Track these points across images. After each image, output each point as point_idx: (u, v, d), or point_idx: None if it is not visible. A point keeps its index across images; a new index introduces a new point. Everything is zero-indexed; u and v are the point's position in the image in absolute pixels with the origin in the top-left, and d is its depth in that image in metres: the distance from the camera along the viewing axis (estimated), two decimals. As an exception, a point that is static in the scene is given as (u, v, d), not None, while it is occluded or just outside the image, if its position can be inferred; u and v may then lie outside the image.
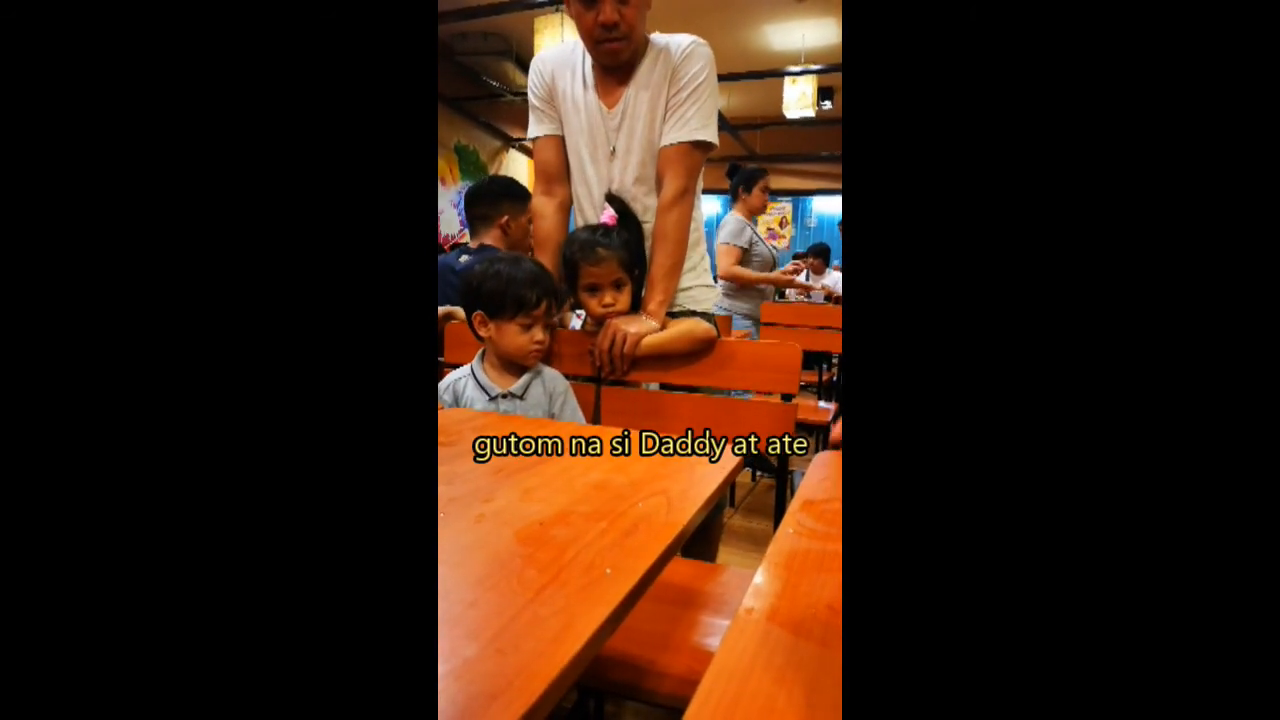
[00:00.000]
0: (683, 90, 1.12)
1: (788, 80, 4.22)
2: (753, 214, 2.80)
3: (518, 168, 6.44)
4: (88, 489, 0.20)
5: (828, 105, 4.84)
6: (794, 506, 0.54)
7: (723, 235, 2.71)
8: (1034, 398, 0.19)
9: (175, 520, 0.21)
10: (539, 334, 1.03)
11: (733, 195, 2.81)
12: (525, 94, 1.27)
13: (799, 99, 4.23)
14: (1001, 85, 0.19)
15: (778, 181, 6.41)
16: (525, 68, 4.44)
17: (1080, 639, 0.18)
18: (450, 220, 6.04)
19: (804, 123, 4.77)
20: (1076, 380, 0.18)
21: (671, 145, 1.13)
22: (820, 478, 0.62)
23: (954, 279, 0.20)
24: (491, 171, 6.38)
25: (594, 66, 1.16)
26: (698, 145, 1.13)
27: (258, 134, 0.23)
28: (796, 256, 4.89)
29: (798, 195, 6.98)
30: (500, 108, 5.51)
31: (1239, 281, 0.17)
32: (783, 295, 4.16)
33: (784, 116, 4.37)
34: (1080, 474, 0.18)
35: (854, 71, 0.21)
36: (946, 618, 0.19)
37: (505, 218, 1.59)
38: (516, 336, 1.02)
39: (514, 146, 6.05)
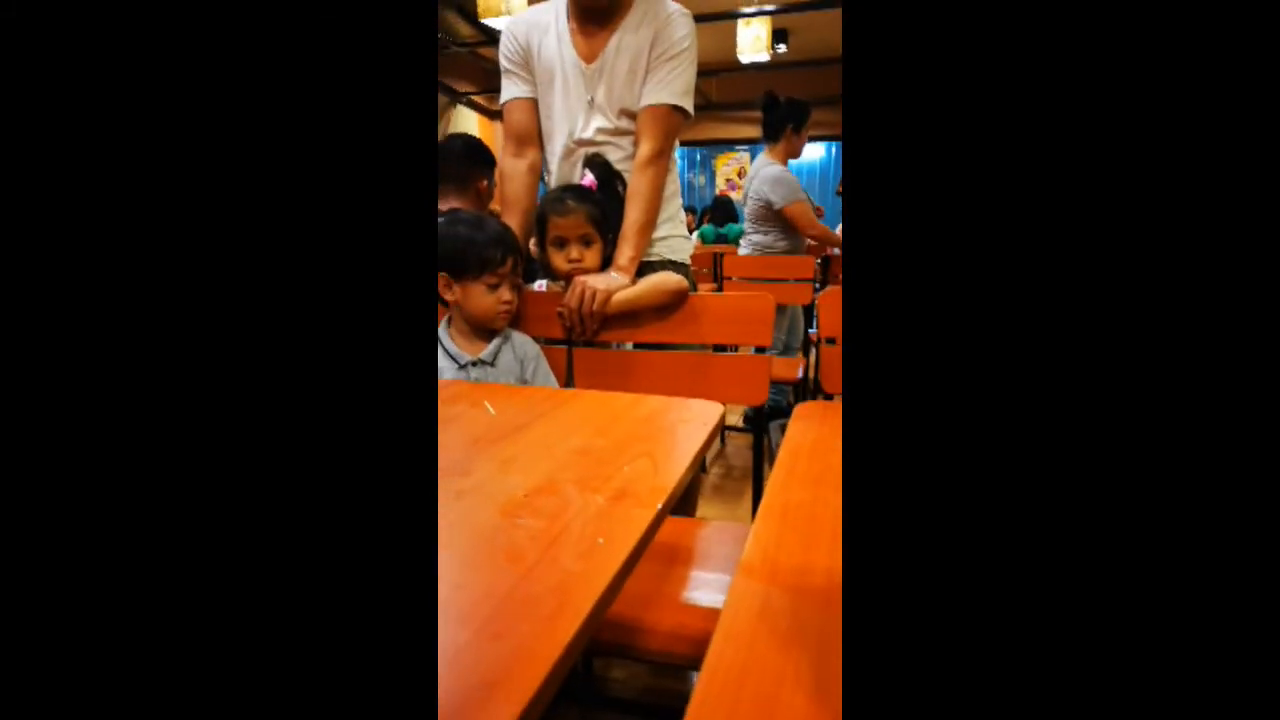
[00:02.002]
0: (666, 52, 1.10)
1: (741, 22, 4.10)
2: (791, 159, 2.33)
3: (467, 124, 6.16)
4: (73, 462, 0.20)
5: (782, 49, 4.74)
6: (782, 457, 0.54)
7: (784, 193, 2.26)
8: (1032, 380, 0.19)
9: (172, 515, 0.20)
10: (506, 294, 0.99)
11: (772, 134, 2.31)
12: (471, 45, 1.22)
13: (753, 42, 4.12)
14: (1002, 81, 0.19)
15: (733, 130, 6.30)
16: (468, 17, 4.23)
17: (1085, 630, 0.18)
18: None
19: (759, 67, 4.66)
20: (1082, 370, 0.18)
21: (652, 106, 1.11)
22: (803, 428, 0.61)
23: (956, 270, 0.19)
24: (441, 128, 6.10)
25: (572, 18, 1.13)
26: (677, 110, 1.12)
27: (250, 118, 0.22)
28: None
29: (755, 144, 6.89)
30: (444, 61, 5.23)
31: (1239, 279, 0.17)
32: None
33: (738, 61, 4.27)
34: (1084, 467, 0.18)
35: (854, 71, 0.21)
36: (949, 604, 0.18)
37: (484, 181, 1.51)
38: (483, 297, 0.98)
39: (461, 102, 5.77)
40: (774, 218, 2.35)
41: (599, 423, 0.64)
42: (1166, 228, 0.18)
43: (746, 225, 2.49)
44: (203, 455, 0.21)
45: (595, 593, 0.34)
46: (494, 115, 4.94)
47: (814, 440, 0.58)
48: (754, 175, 2.38)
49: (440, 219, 1.44)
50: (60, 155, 0.20)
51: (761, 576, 0.36)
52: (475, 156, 1.51)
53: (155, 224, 0.21)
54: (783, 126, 2.30)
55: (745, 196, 2.47)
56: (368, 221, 0.24)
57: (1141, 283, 0.18)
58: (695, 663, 0.79)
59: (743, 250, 2.52)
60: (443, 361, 0.99)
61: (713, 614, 0.79)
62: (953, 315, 0.19)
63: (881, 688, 0.18)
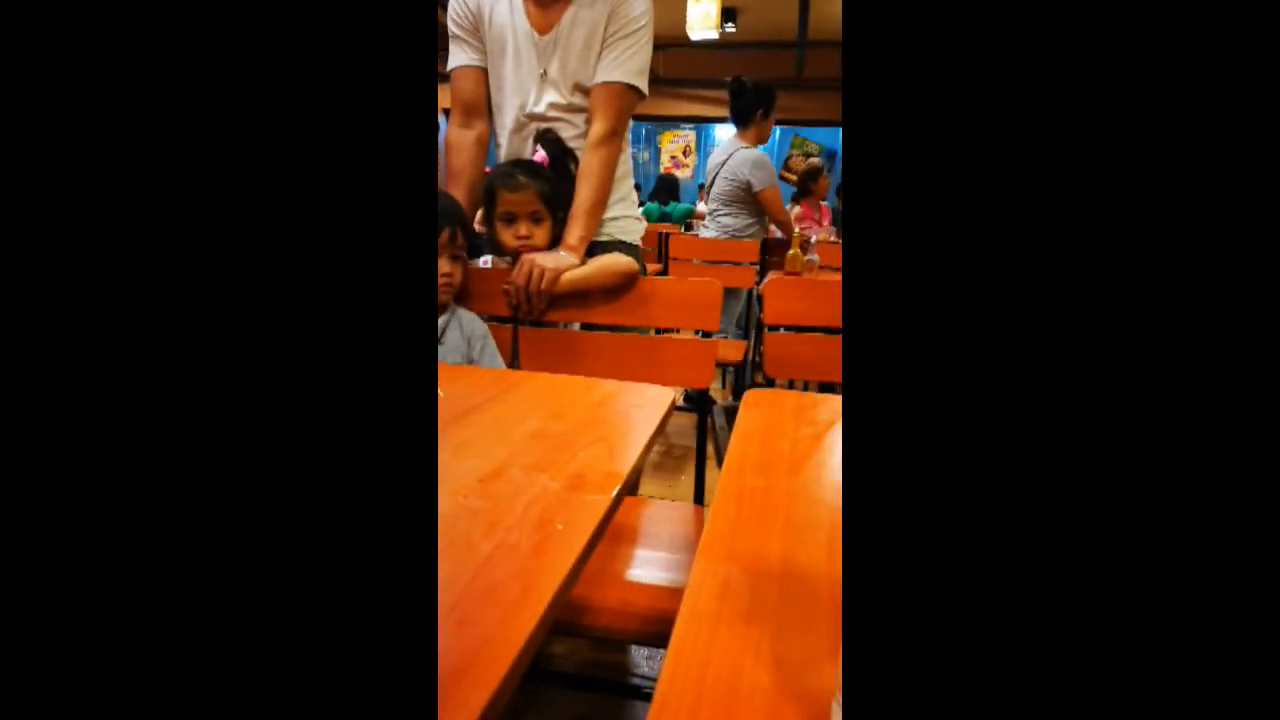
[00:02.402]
0: (623, 29, 1.08)
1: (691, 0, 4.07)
2: (760, 144, 2.31)
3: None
4: (69, 457, 0.19)
5: (731, 28, 4.73)
6: (734, 444, 0.55)
7: (763, 178, 2.20)
8: (1033, 377, 0.19)
9: (167, 512, 0.20)
10: (444, 266, 0.96)
11: (741, 118, 2.26)
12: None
13: (703, 19, 4.10)
14: (1003, 79, 0.19)
15: (680, 107, 6.27)
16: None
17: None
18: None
19: (707, 45, 4.65)
20: (1088, 371, 0.18)
21: (607, 83, 1.09)
22: (753, 415, 0.63)
23: (958, 269, 0.19)
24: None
25: None
26: (632, 89, 1.10)
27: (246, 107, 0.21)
28: (701, 188, 4.88)
29: (701, 122, 6.88)
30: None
31: (1239, 279, 0.17)
32: (688, 227, 4.16)
33: (687, 38, 4.24)
34: (1085, 465, 0.18)
35: (853, 68, 0.20)
36: (950, 601, 0.19)
37: None
38: None
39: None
40: (748, 200, 2.34)
41: (552, 406, 0.64)
42: (1164, 223, 0.18)
43: (711, 205, 2.47)
44: (198, 450, 0.21)
45: (557, 579, 0.35)
46: (439, 79, 4.71)
47: (764, 427, 0.60)
48: (726, 156, 2.34)
49: None
50: (56, 148, 0.20)
51: (721, 558, 0.38)
52: None
53: (142, 211, 0.21)
54: (752, 111, 2.29)
55: (711, 177, 2.44)
56: (365, 211, 0.23)
57: (1144, 280, 0.18)
58: (640, 638, 0.81)
59: (708, 232, 2.51)
60: (384, 338, 0.96)
61: (658, 591, 0.81)
62: (954, 311, 0.19)
63: (882, 687, 0.18)
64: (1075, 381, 0.18)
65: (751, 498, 0.46)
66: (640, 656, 1.14)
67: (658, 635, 0.76)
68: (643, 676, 1.11)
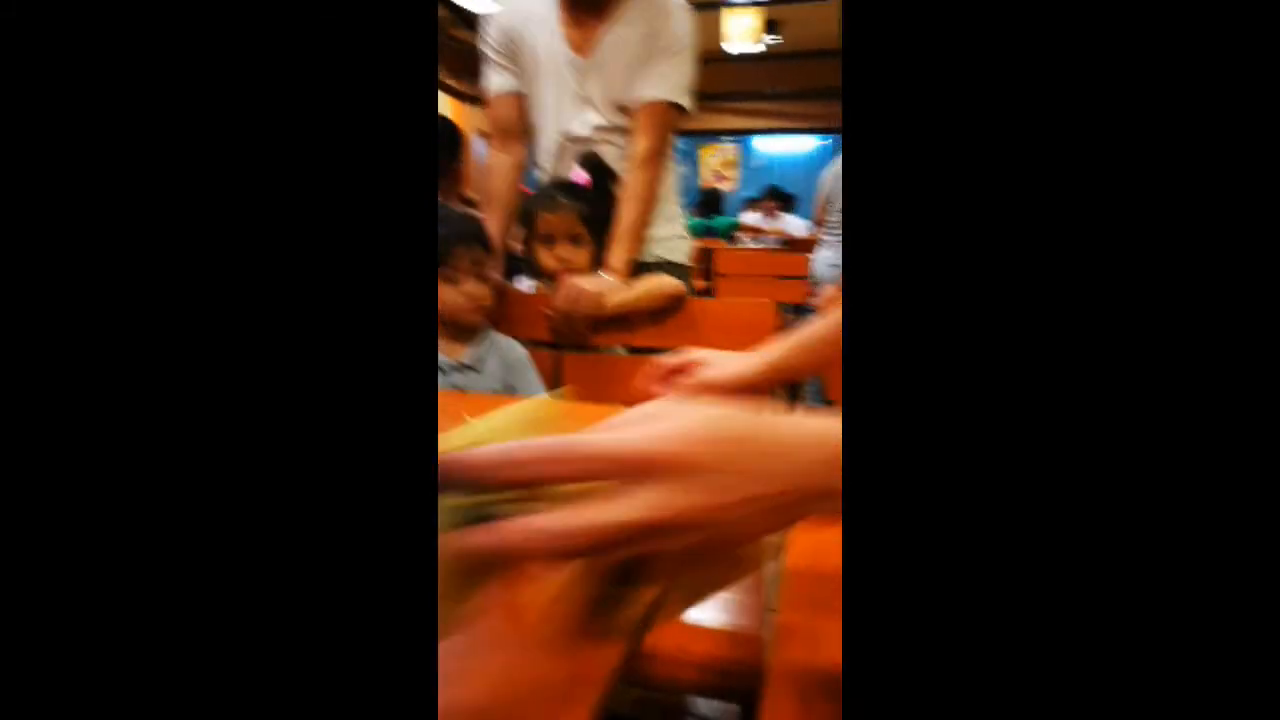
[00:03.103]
0: (667, 47, 1.05)
1: (731, 11, 4.04)
2: None
3: (440, 106, 6.03)
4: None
5: (774, 39, 4.68)
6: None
7: None
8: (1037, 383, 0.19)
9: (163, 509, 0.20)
10: (470, 287, 0.92)
11: None
12: (443, 25, 1.17)
13: (742, 31, 4.07)
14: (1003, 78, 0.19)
15: (719, 121, 6.25)
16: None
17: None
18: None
19: (749, 58, 4.61)
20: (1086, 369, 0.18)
21: (650, 102, 1.06)
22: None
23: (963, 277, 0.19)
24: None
25: (563, 7, 1.07)
26: (675, 106, 1.07)
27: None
28: (749, 201, 4.81)
29: (741, 135, 6.84)
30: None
31: (1239, 280, 0.17)
32: (732, 240, 4.10)
33: (723, 51, 4.21)
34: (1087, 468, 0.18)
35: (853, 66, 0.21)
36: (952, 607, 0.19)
37: (454, 165, 1.44)
38: (446, 294, 0.92)
39: (440, 88, 5.63)
40: None
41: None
42: (1165, 224, 0.18)
43: (826, 236, 2.40)
44: (196, 450, 0.21)
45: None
46: (467, 99, 4.79)
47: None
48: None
49: None
50: (55, 148, 0.20)
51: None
52: (443, 140, 1.43)
53: (141, 216, 0.21)
54: None
55: (823, 202, 2.35)
56: (366, 215, 0.22)
57: (1144, 280, 0.18)
58: (700, 688, 0.75)
59: (827, 270, 2.38)
60: (425, 368, 0.94)
61: (719, 636, 0.75)
62: (957, 317, 0.19)
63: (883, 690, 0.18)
64: (1077, 382, 0.18)
65: (824, 544, 0.40)
66: (700, 703, 1.08)
67: (718, 687, 0.70)
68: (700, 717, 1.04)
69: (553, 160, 1.15)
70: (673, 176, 1.16)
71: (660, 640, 0.73)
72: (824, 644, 0.33)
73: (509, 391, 0.95)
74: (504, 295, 1.10)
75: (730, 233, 4.35)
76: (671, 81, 1.06)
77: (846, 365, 0.21)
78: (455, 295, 0.92)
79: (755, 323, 0.94)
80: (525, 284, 1.16)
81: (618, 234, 1.05)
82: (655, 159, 1.06)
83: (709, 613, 0.78)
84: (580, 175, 1.07)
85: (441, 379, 0.93)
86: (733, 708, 0.63)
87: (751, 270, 2.30)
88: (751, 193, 5.31)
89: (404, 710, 0.20)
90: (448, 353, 0.94)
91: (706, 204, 4.78)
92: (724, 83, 5.84)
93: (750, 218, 4.42)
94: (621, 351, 1.07)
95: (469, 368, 0.94)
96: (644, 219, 1.06)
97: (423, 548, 0.21)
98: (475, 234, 0.95)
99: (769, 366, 0.59)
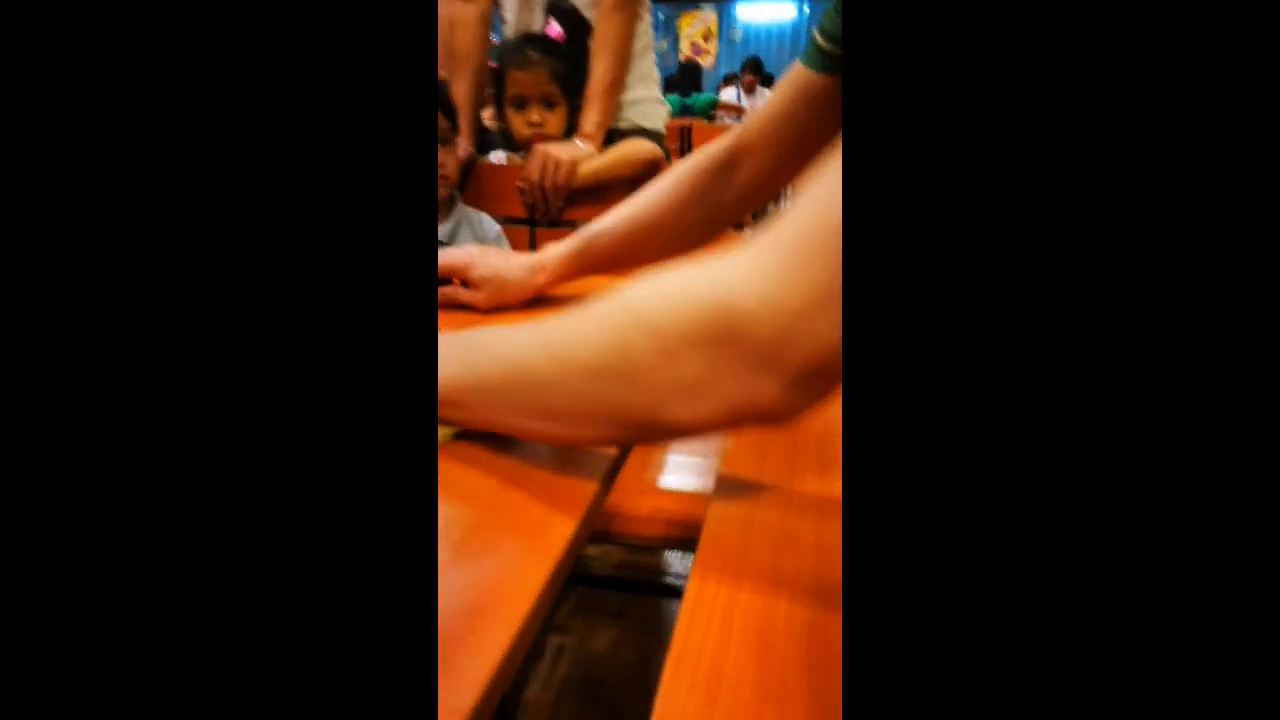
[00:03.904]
0: None
1: None
2: None
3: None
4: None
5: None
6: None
7: None
8: (1038, 377, 0.18)
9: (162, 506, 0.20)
10: None
11: None
12: None
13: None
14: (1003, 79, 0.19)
15: (701, -15, 5.73)
16: None
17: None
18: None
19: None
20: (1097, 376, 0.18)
21: None
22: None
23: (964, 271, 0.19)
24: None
25: None
26: None
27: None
28: (727, 77, 4.52)
29: (721, 1, 6.31)
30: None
31: (1239, 281, 0.17)
32: (711, 118, 3.90)
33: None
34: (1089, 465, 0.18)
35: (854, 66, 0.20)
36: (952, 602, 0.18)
37: None
38: None
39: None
40: None
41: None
42: (1166, 223, 0.18)
43: None
44: (194, 446, 0.20)
45: (590, 493, 0.31)
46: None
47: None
48: None
49: None
50: (54, 147, 0.20)
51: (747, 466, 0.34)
52: None
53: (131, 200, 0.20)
54: None
55: None
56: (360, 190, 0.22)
57: (1144, 280, 0.18)
58: (671, 543, 0.80)
59: None
60: (393, 242, 0.90)
61: (688, 497, 0.79)
62: (958, 309, 0.19)
63: (884, 687, 0.18)
64: (1078, 383, 0.18)
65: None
66: (673, 558, 1.16)
67: (689, 540, 0.75)
68: (676, 575, 1.13)
69: (518, 9, 1.04)
70: (648, 28, 1.07)
71: (636, 504, 0.77)
72: (761, 499, 0.34)
73: (482, 267, 0.92)
74: (473, 167, 1.04)
75: (709, 111, 4.13)
76: None
77: (847, 364, 0.20)
78: None
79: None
80: (497, 156, 1.10)
81: (590, 93, 0.97)
82: (629, 3, 0.97)
83: (678, 477, 0.82)
84: (554, 28, 0.98)
85: (410, 254, 0.90)
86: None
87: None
88: (732, 68, 4.98)
89: (401, 654, 0.19)
90: (415, 227, 0.90)
91: (685, 79, 4.49)
92: (705, -62, 5.28)
93: (729, 94, 4.19)
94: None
95: (440, 243, 0.90)
96: (619, 75, 0.99)
97: (422, 493, 0.21)
98: (442, 100, 0.87)
99: (550, 279, 0.62)
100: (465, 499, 0.31)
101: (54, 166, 0.20)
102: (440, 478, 0.32)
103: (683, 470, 0.84)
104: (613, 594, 1.06)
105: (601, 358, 0.28)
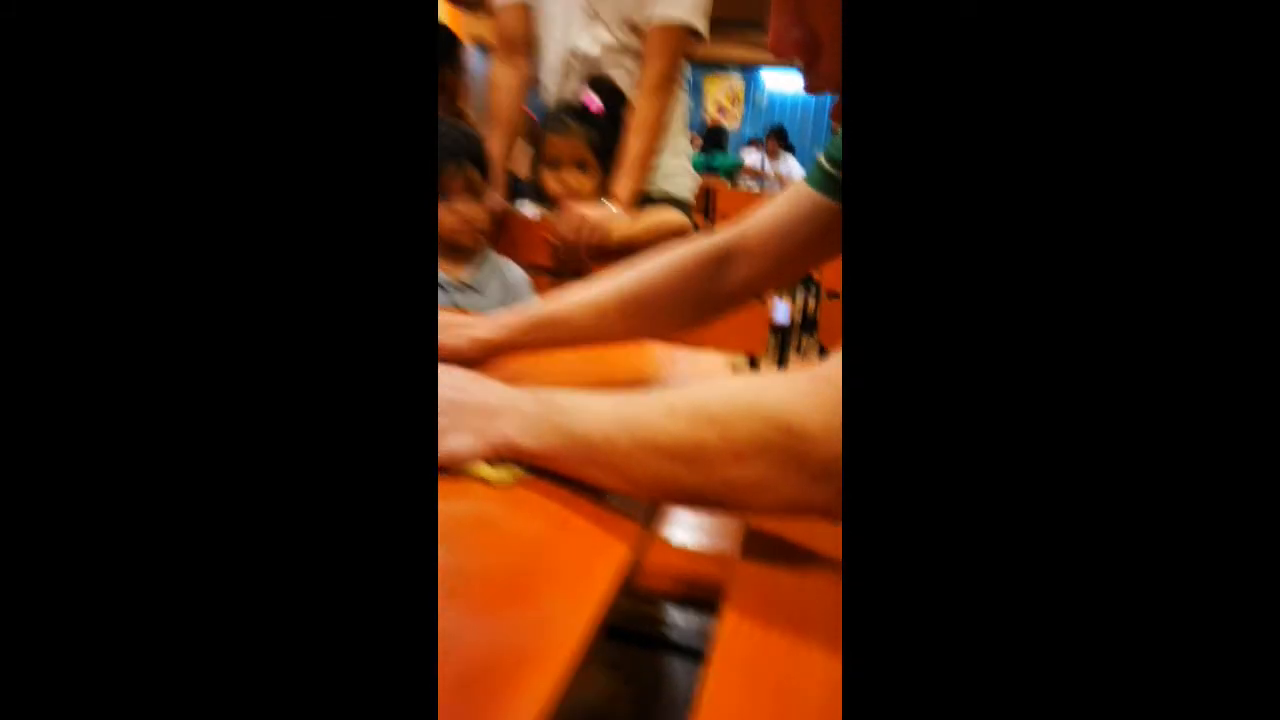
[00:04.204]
0: None
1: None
2: None
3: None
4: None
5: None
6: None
7: None
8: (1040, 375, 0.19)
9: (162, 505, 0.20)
10: (463, 205, 0.90)
11: None
12: None
13: (759, -44, 3.85)
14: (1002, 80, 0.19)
15: (726, 51, 5.99)
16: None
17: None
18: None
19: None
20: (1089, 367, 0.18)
21: (664, 22, 1.02)
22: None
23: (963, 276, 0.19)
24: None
25: None
26: (690, 30, 1.03)
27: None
28: (751, 141, 4.68)
29: (748, 67, 6.56)
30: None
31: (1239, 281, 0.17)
32: (734, 181, 4.03)
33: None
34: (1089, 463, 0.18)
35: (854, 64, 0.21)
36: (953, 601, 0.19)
37: (448, 76, 1.37)
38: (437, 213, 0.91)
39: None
40: None
41: (600, 371, 0.62)
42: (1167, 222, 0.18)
43: None
44: (194, 445, 0.20)
45: (622, 556, 0.34)
46: (463, 3, 4.50)
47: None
48: None
49: None
50: (54, 147, 0.20)
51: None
52: (441, 49, 1.34)
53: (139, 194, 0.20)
54: None
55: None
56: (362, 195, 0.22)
57: (1143, 281, 0.18)
58: (673, 597, 0.81)
59: None
60: (428, 286, 0.94)
61: (694, 555, 0.81)
62: (957, 313, 0.19)
63: (883, 686, 0.19)
64: (1079, 383, 0.18)
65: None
66: (676, 614, 1.16)
67: (692, 598, 0.76)
68: (678, 629, 1.12)
69: (557, 78, 1.12)
70: (682, 106, 1.14)
71: (648, 556, 0.79)
72: (786, 561, 0.36)
73: (510, 315, 0.97)
74: (505, 218, 1.10)
75: (733, 173, 4.27)
76: (687, 1, 1.02)
77: (847, 360, 0.21)
78: (448, 214, 0.90)
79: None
80: (529, 208, 1.16)
81: (625, 164, 1.04)
82: (666, 85, 1.04)
83: (690, 534, 0.84)
84: (592, 100, 1.05)
85: (443, 296, 0.94)
86: (707, 620, 0.69)
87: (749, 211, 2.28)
88: (755, 132, 5.15)
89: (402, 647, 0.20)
90: (448, 271, 0.94)
91: (710, 140, 4.66)
92: (733, 8, 5.56)
93: (753, 157, 4.32)
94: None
95: (470, 288, 0.95)
96: (652, 149, 1.05)
97: (422, 494, 0.22)
98: (468, 150, 0.91)
99: (502, 341, 0.59)
100: (517, 538, 0.34)
101: (54, 167, 0.20)
102: (495, 515, 0.36)
103: (693, 528, 0.86)
104: (612, 643, 1.05)
105: (679, 446, 0.33)
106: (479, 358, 0.57)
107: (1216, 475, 0.17)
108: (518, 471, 0.39)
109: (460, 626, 0.28)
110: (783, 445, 0.30)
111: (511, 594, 0.30)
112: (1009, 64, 0.19)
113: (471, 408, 0.41)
